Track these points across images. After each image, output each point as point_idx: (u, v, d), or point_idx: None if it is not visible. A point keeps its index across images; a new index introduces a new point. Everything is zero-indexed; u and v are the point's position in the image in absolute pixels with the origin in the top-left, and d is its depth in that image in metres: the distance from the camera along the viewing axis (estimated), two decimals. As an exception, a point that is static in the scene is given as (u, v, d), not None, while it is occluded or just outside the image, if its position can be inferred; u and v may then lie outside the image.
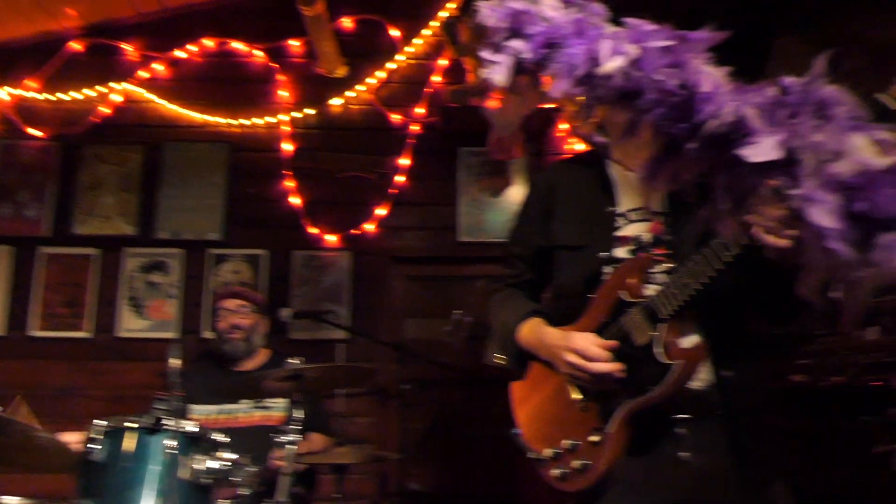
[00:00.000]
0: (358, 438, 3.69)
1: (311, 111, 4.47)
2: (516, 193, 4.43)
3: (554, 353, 1.64)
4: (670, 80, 0.99)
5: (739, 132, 0.89)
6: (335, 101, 4.49)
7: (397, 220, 4.38)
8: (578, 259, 1.71)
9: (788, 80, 0.90)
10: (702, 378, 1.58)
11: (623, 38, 0.99)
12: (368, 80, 4.53)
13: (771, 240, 1.11)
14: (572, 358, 1.58)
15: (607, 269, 1.66)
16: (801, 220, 0.82)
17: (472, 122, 4.21)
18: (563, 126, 4.52)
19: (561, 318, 1.73)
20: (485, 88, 4.13)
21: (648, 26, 1.02)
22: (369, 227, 4.35)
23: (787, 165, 0.85)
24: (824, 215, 0.75)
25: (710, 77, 0.97)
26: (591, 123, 1.13)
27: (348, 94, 4.51)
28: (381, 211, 4.37)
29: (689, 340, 1.54)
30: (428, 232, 4.41)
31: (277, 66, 4.51)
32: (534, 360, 1.76)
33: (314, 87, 4.50)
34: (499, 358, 1.77)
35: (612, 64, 0.97)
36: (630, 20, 1.03)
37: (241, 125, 4.44)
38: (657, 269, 1.61)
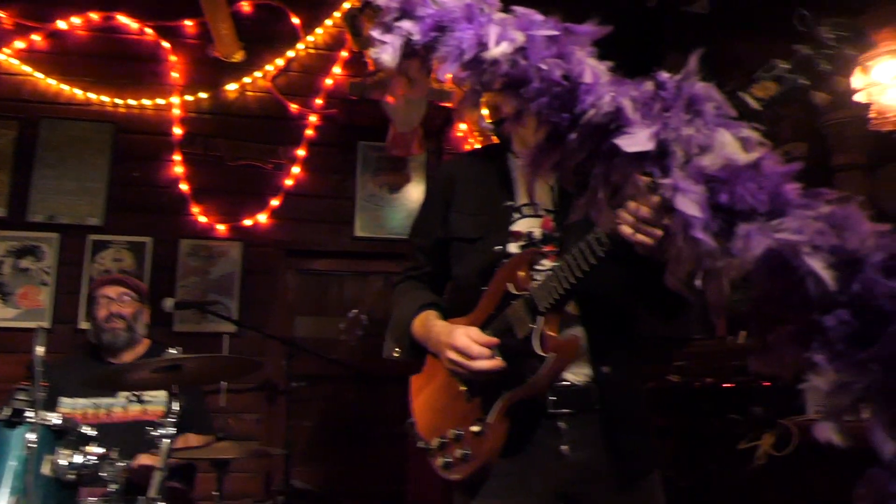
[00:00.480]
0: (243, 435, 3.59)
1: (204, 95, 4.31)
2: (414, 191, 4.43)
3: (438, 347, 1.65)
4: (555, 71, 1.00)
5: (616, 123, 0.91)
6: (230, 87, 4.35)
7: (292, 213, 4.29)
8: (473, 251, 1.73)
9: (663, 75, 0.92)
10: (583, 373, 1.63)
11: (511, 25, 1.00)
12: (267, 67, 4.41)
13: (636, 237, 1.17)
14: (453, 355, 1.59)
15: (501, 263, 1.68)
16: (669, 210, 0.84)
17: (372, 116, 4.18)
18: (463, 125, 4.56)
19: (458, 309, 1.74)
20: (386, 83, 4.11)
21: (536, 16, 1.03)
22: (262, 217, 4.23)
23: (658, 157, 0.87)
24: (691, 204, 0.78)
25: (593, 69, 0.99)
26: (478, 110, 1.14)
27: (245, 80, 4.37)
28: (274, 202, 4.26)
29: (566, 333, 1.58)
30: (323, 225, 4.34)
31: (169, 45, 4.32)
32: (427, 352, 1.77)
33: (208, 71, 4.34)
34: (395, 351, 1.77)
35: (498, 49, 0.97)
36: (518, 9, 1.04)
37: (128, 105, 4.22)
38: (545, 264, 1.65)
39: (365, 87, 4.18)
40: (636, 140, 0.87)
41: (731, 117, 0.87)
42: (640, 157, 0.88)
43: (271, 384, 4.03)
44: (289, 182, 4.29)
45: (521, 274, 1.62)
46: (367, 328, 4.36)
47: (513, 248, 1.69)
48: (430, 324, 1.72)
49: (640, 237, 1.14)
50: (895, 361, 0.60)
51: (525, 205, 1.72)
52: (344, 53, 4.50)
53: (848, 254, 0.66)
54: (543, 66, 1.01)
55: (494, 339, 1.58)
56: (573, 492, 1.63)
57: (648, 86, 0.94)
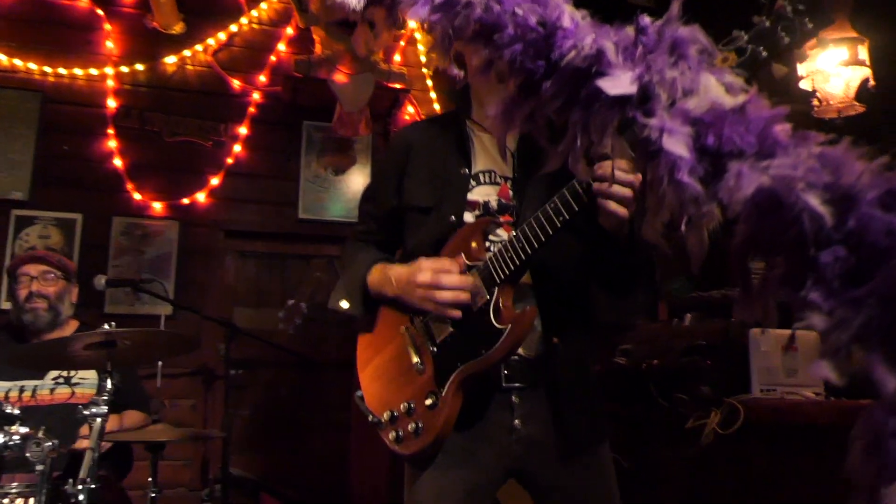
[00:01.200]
0: (178, 422, 3.46)
1: (141, 67, 4.13)
2: (360, 173, 4.36)
3: (405, 280, 1.60)
4: (530, 17, 0.97)
5: (597, 67, 0.88)
6: (169, 59, 4.19)
7: (232, 192, 4.16)
8: (428, 221, 1.68)
9: (645, 19, 0.90)
10: (535, 347, 1.61)
11: (486, -36, 0.96)
12: (208, 40, 4.26)
13: (612, 206, 1.16)
14: (426, 276, 1.54)
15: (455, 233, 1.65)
16: (654, 156, 0.82)
17: (318, 95, 4.10)
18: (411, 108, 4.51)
19: None
20: (333, 60, 4.02)
21: (511, -41, 0.99)
22: (201, 196, 4.09)
23: (641, 100, 0.85)
24: (679, 145, 0.75)
25: (570, 14, 0.96)
26: (449, 58, 1.09)
27: (185, 52, 4.21)
28: (214, 181, 4.13)
29: (522, 305, 1.56)
30: (265, 207, 4.23)
31: (103, 13, 4.12)
32: (379, 307, 1.71)
33: (146, 42, 4.17)
34: (343, 302, 1.70)
35: (473, -12, 0.93)
36: (493, -50, 1.00)
37: (57, 74, 4.01)
38: (500, 234, 1.62)
39: (311, 65, 4.09)
40: (619, 83, 0.84)
41: (713, 61, 0.85)
42: (622, 100, 0.85)
43: (208, 369, 3.91)
44: (230, 161, 4.17)
45: (475, 244, 1.58)
46: (309, 315, 4.28)
47: (469, 217, 1.65)
48: (389, 269, 1.67)
49: (614, 206, 1.13)
50: (893, 297, 0.59)
51: (482, 172, 1.69)
52: (289, 30, 4.39)
53: (843, 190, 0.64)
54: (518, 11, 0.97)
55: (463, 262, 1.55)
56: (522, 466, 1.61)
57: (629, 31, 0.91)
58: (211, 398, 3.91)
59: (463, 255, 1.59)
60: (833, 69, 2.83)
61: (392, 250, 1.83)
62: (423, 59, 4.56)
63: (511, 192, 1.67)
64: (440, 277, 1.54)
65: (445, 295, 1.53)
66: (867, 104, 2.69)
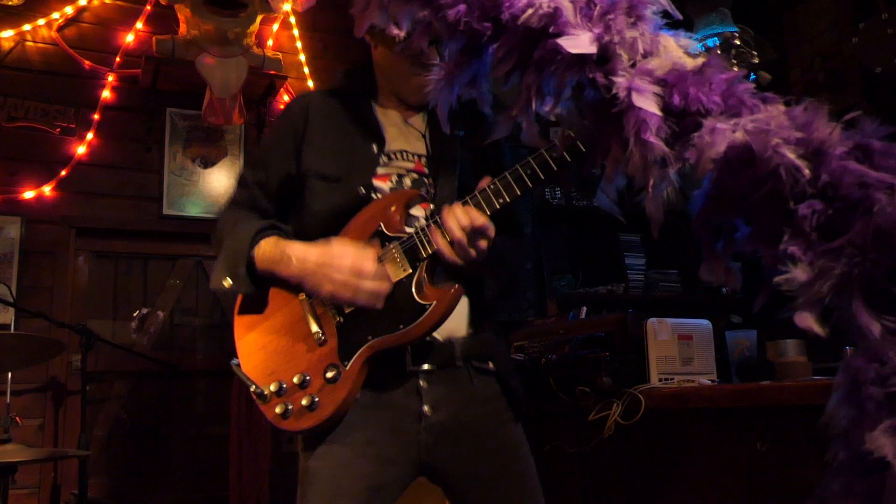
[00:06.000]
0: (27, 443, 3.18)
1: (-29, 42, 3.79)
2: (231, 165, 4.20)
3: (314, 262, 1.51)
4: (474, -26, 0.97)
5: (553, 27, 0.89)
6: (5, 34, 3.85)
7: (84, 185, 3.89)
8: (334, 190, 1.64)
9: (598, -21, 0.92)
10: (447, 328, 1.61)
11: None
12: (53, 14, 3.96)
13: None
14: (348, 261, 1.48)
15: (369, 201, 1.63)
16: (618, 117, 0.84)
17: (182, 79, 3.92)
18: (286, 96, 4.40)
19: None
20: (200, 42, 3.85)
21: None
22: (47, 189, 3.80)
23: (601, 61, 0.86)
24: (649, 103, 0.77)
25: (519, -28, 0.96)
26: (389, 19, 1.07)
27: (24, 27, 3.89)
28: (63, 172, 3.84)
29: (444, 283, 1.55)
30: (124, 201, 3.98)
31: (-76, -22, 3.75)
32: (268, 284, 1.63)
33: (-24, 13, 3.82)
34: (226, 281, 1.59)
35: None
36: None
37: None
38: (416, 212, 1.62)
39: (175, 46, 3.89)
40: (578, 42, 0.85)
41: (670, 23, 0.89)
42: (582, 60, 0.86)
43: (58, 384, 3.63)
44: (81, 150, 3.89)
45: (397, 215, 1.57)
46: (177, 320, 4.08)
47: (383, 189, 1.64)
48: (285, 245, 1.58)
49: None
50: (870, 245, 0.63)
51: (394, 151, 1.69)
52: (148, 7, 4.16)
53: (814, 145, 0.68)
54: (462, -31, 0.97)
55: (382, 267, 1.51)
56: (431, 459, 1.57)
57: (582, -10, 0.93)
58: (62, 416, 3.63)
59: (382, 224, 1.57)
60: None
61: (281, 221, 1.75)
62: (298, 44, 4.47)
63: (427, 170, 1.68)
64: (365, 264, 1.48)
65: (368, 284, 1.48)
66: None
